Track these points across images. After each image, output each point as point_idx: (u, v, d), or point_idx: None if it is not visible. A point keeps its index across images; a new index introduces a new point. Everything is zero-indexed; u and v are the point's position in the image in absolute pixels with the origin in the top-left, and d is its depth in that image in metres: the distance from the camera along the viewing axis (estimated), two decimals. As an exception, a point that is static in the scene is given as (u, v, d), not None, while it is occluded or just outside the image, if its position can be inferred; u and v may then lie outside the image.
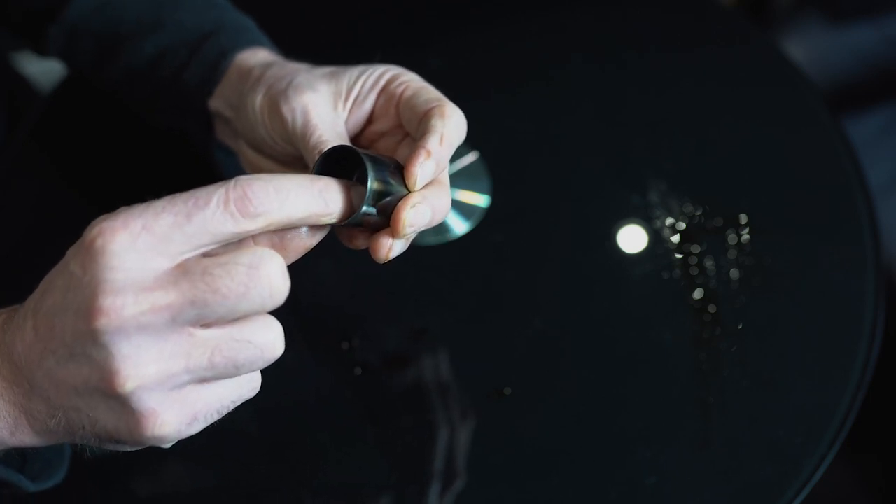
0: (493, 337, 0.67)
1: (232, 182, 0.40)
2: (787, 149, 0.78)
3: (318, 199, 0.43)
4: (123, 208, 0.40)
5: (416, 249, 0.67)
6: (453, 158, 0.74)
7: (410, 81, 0.54)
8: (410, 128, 0.53)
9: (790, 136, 0.79)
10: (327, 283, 0.70)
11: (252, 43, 0.65)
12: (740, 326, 0.68)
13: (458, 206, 0.73)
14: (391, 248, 0.48)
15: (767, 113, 0.80)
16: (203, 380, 0.41)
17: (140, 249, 0.38)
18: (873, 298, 0.68)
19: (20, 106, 0.91)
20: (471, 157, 0.75)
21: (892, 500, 1.11)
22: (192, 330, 0.40)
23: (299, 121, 0.53)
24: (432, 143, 0.49)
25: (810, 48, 1.15)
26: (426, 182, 0.48)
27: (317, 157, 0.49)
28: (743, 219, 0.73)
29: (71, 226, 0.73)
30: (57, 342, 0.40)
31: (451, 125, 0.50)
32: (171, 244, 0.39)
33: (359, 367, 0.66)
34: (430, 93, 0.53)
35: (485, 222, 0.72)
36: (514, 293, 0.69)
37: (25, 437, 0.44)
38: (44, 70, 1.02)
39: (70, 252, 0.40)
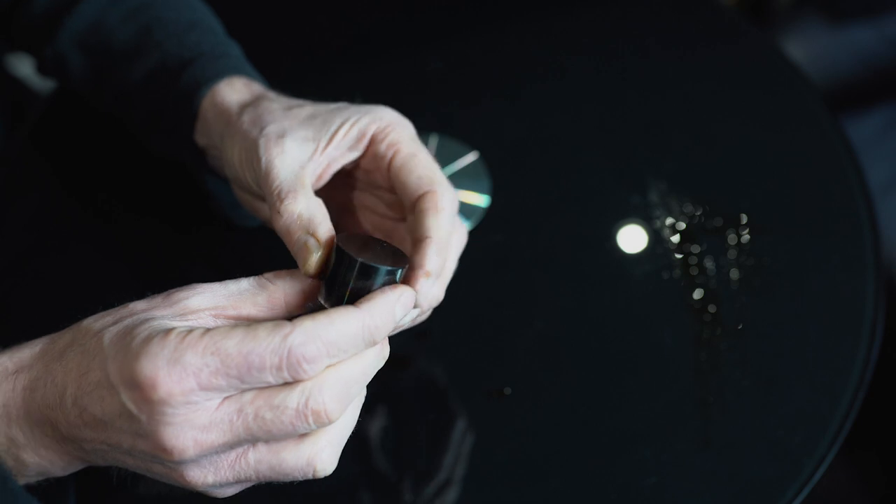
0: (493, 337, 0.67)
1: (286, 350, 0.41)
2: (788, 149, 0.78)
3: (363, 343, 0.44)
4: (172, 350, 0.41)
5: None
6: (453, 159, 0.75)
7: (399, 143, 0.53)
8: (404, 200, 0.53)
9: (790, 136, 0.79)
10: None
11: (228, 72, 0.62)
12: (740, 326, 0.68)
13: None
14: None
15: (767, 113, 0.80)
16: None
17: (195, 402, 0.41)
18: (873, 298, 0.68)
19: (21, 105, 0.90)
20: (471, 157, 0.75)
21: (892, 500, 1.11)
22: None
23: (263, 170, 0.52)
24: (430, 260, 0.49)
25: (810, 48, 1.15)
26: (434, 301, 0.51)
27: (282, 204, 0.49)
28: (743, 219, 0.73)
29: (73, 226, 0.73)
30: (114, 444, 0.44)
31: (444, 220, 0.51)
32: (223, 392, 0.42)
33: (359, 367, 0.65)
34: (420, 166, 0.53)
35: (485, 222, 0.72)
36: (514, 293, 0.69)
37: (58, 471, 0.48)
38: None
39: (115, 374, 0.42)
